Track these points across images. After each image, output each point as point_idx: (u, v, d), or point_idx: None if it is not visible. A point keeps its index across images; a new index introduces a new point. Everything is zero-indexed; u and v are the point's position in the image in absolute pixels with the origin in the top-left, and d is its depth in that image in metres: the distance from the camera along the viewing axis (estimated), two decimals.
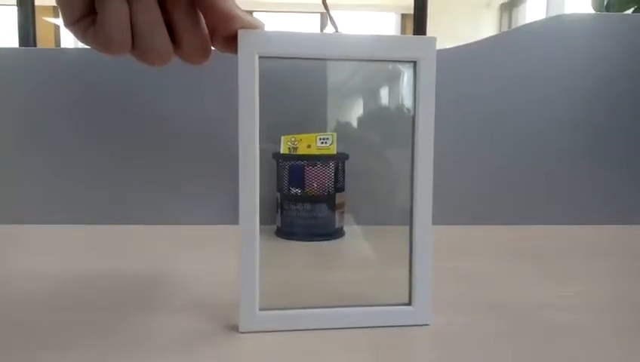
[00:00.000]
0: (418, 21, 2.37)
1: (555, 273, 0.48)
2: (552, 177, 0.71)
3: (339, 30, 0.33)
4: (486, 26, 4.77)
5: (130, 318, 0.36)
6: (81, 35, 0.31)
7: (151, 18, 0.30)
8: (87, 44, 0.31)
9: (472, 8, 4.77)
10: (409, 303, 0.35)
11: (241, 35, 0.31)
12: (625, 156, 0.71)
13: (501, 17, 4.83)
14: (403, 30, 5.10)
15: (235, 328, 0.34)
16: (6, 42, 4.67)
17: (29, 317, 0.36)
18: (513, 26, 4.64)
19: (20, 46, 1.27)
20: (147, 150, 0.69)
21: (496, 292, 0.43)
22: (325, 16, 5.01)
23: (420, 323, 0.35)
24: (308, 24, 4.88)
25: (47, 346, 0.31)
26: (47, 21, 4.54)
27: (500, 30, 4.73)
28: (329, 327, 0.34)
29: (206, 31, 0.32)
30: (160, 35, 0.30)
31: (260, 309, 0.33)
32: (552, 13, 3.99)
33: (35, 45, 1.31)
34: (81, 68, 0.67)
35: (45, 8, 4.29)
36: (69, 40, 4.83)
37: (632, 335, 0.34)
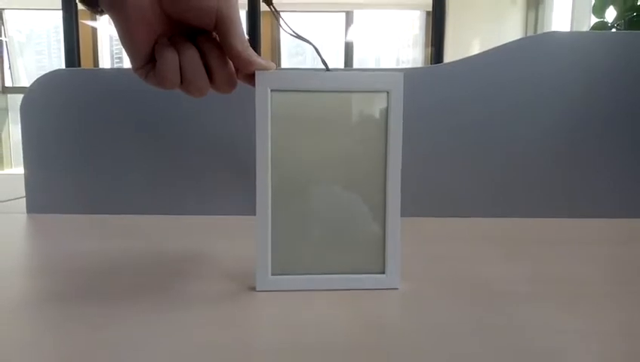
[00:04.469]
0: (437, 19, 2.44)
1: (517, 256, 0.59)
2: (530, 175, 0.80)
3: (329, 68, 0.45)
4: (512, 23, 4.77)
5: (169, 283, 0.48)
6: (144, 76, 0.43)
7: (194, 63, 0.42)
8: (147, 82, 0.44)
9: (497, 5, 4.78)
10: (383, 272, 0.46)
11: (258, 75, 0.43)
12: (604, 157, 0.80)
13: (527, 14, 4.82)
14: (427, 27, 5.15)
15: (253, 288, 0.46)
16: (47, 45, 4.96)
17: (93, 283, 0.49)
18: (539, 23, 4.54)
19: (64, 48, 1.43)
20: (187, 159, 0.82)
21: (460, 269, 0.53)
22: (350, 15, 5.11)
23: (390, 288, 0.46)
24: (334, 23, 4.98)
25: (108, 303, 0.44)
26: (85, 24, 4.81)
27: (526, 28, 4.72)
28: (322, 289, 0.45)
29: (233, 71, 0.44)
30: (200, 75, 0.43)
31: (272, 274, 0.45)
32: (579, 8, 3.98)
33: (78, 47, 1.47)
34: (127, 88, 0.81)
35: (84, 12, 4.54)
36: (105, 41, 5.09)
37: (562, 301, 0.44)
